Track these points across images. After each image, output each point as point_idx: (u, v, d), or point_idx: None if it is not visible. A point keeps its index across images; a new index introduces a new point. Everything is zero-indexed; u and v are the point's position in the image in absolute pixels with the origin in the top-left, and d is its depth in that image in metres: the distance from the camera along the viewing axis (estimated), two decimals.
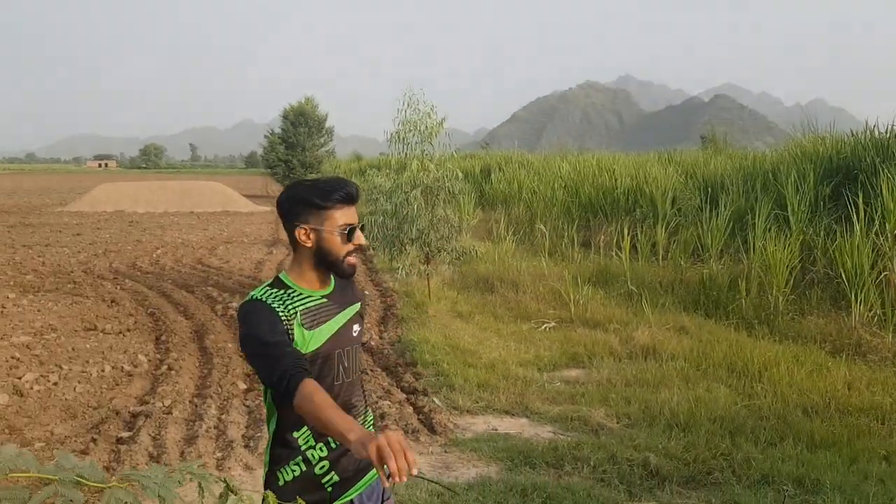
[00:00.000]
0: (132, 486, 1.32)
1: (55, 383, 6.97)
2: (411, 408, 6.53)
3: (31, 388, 6.74)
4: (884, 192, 9.60)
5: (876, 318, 8.48)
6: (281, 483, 2.18)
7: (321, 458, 2.19)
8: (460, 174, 10.84)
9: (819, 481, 4.72)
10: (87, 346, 8.44)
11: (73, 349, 8.23)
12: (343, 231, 2.19)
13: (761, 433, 5.75)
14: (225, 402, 6.62)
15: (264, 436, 5.76)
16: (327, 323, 2.22)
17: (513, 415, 6.46)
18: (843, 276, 8.89)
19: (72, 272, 13.72)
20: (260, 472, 5.05)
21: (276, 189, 51.38)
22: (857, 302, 8.55)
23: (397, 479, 1.63)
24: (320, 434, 2.17)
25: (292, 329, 2.13)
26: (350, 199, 2.22)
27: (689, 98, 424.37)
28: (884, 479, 4.84)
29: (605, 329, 9.31)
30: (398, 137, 10.60)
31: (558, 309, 10.41)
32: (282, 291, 2.20)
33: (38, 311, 10.12)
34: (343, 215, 2.20)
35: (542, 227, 16.26)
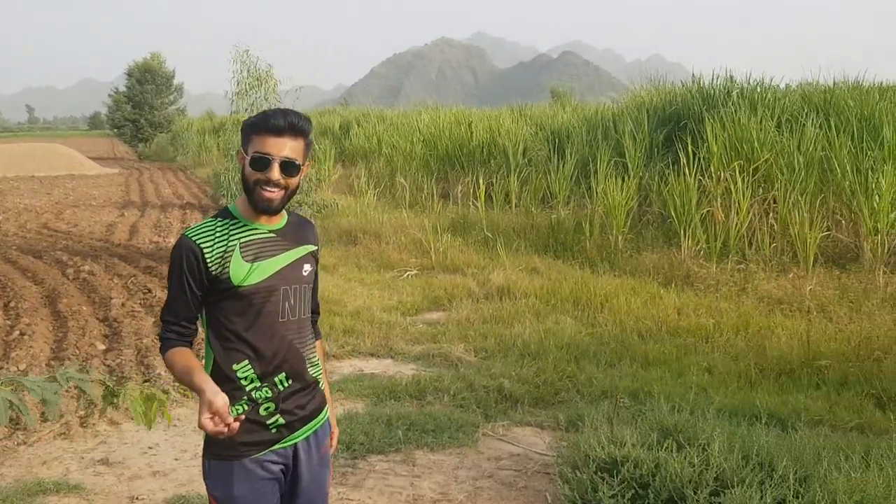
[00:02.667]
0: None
1: None
2: None
3: None
4: (708, 136, 10.52)
5: (702, 251, 9.37)
6: None
7: (267, 399, 2.14)
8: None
9: (650, 393, 5.32)
10: None
11: None
12: (253, 157, 2.09)
13: (602, 356, 6.35)
14: (84, 363, 6.51)
15: (129, 393, 5.75)
16: (274, 258, 2.16)
17: (378, 356, 6.76)
18: (674, 214, 9.74)
19: None
20: (126, 427, 5.13)
21: (123, 150, 48.74)
22: (685, 237, 9.41)
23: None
24: (264, 374, 2.14)
25: (227, 262, 2.09)
26: (273, 129, 2.08)
27: (539, 55, 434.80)
28: (706, 387, 5.52)
29: (463, 273, 9.77)
30: (239, 96, 10.55)
31: (420, 257, 10.78)
32: (225, 221, 2.15)
33: None
34: (261, 143, 2.08)
35: (402, 180, 16.54)
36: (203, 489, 3.70)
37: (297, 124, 2.10)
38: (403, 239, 11.67)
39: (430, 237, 10.87)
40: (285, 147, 2.09)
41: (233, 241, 2.12)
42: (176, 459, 4.60)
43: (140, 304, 8.72)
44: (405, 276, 9.91)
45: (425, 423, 4.80)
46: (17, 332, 7.37)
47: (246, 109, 10.96)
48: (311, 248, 2.30)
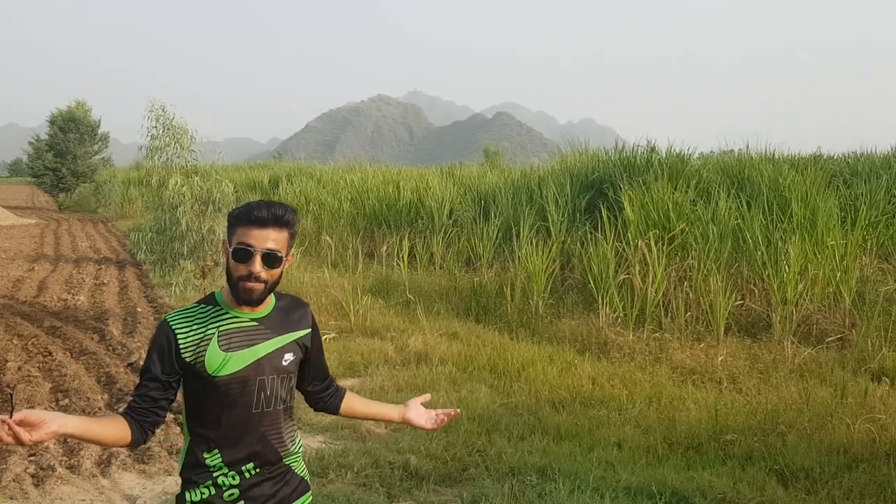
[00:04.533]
0: None
1: None
2: (178, 427, 6.36)
3: None
4: (625, 204, 10.73)
5: (620, 318, 9.45)
6: (187, 503, 2.14)
7: (231, 486, 2.14)
8: (230, 185, 10.74)
9: (559, 469, 5.22)
10: None
11: None
12: (236, 249, 2.08)
13: (515, 428, 6.24)
14: None
15: (10, 468, 5.37)
16: (250, 348, 2.14)
17: None
18: (591, 280, 9.82)
19: None
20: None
21: (43, 199, 47.16)
22: (602, 304, 9.48)
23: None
24: (232, 462, 2.13)
25: (203, 351, 2.09)
26: (256, 220, 2.08)
27: (474, 114, 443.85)
28: (614, 463, 5.45)
29: (382, 337, 9.60)
30: (152, 150, 10.33)
31: (339, 319, 10.55)
32: (208, 308, 2.16)
33: None
34: (245, 234, 2.09)
35: (328, 238, 16.36)
36: None
37: (282, 216, 2.12)
38: (324, 300, 11.44)
39: (349, 299, 10.69)
40: (268, 239, 2.10)
41: (211, 328, 2.12)
42: None
43: (38, 367, 8.26)
44: (323, 339, 9.66)
45: None
46: None
47: (160, 164, 10.72)
48: (298, 334, 2.28)
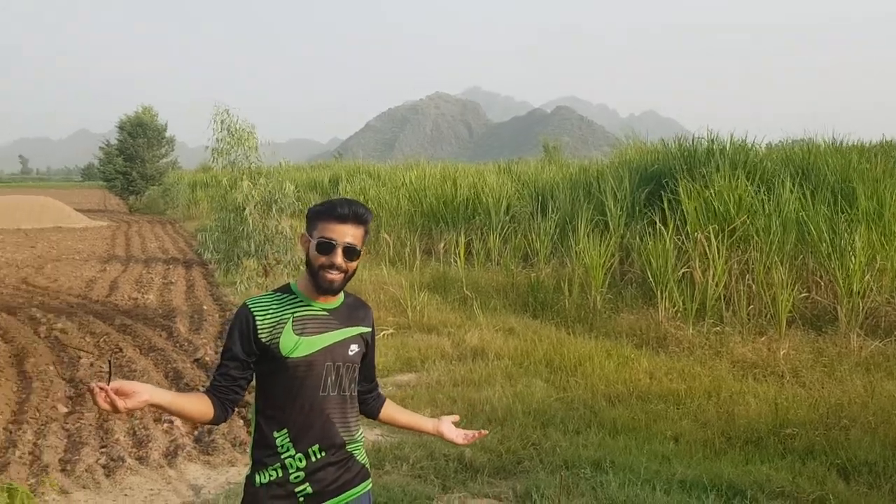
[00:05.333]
0: None
1: None
2: (241, 421, 6.57)
3: None
4: (683, 197, 10.57)
5: (679, 313, 9.33)
6: (256, 484, 2.27)
7: (298, 469, 2.26)
8: (291, 187, 10.99)
9: (614, 462, 5.22)
10: None
11: None
12: (319, 242, 2.27)
13: (570, 422, 6.25)
14: (42, 427, 6.39)
15: (83, 459, 5.64)
16: (322, 334, 2.31)
17: None
18: (650, 275, 9.72)
19: None
20: (76, 496, 5.00)
21: (115, 202, 48.89)
22: (662, 298, 9.38)
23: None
24: (300, 443, 2.27)
25: (278, 333, 2.25)
26: (339, 216, 2.28)
27: (533, 109, 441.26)
28: (670, 457, 5.42)
29: (439, 333, 9.70)
30: (218, 153, 10.63)
31: (397, 316, 10.70)
32: (283, 296, 2.34)
33: None
34: (327, 229, 2.27)
35: (386, 236, 16.57)
36: None
37: (361, 214, 2.32)
38: (383, 297, 11.61)
39: (406, 295, 10.82)
40: (348, 234, 2.29)
41: (287, 314, 2.29)
42: None
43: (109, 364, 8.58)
44: (381, 335, 9.82)
45: (378, 494, 4.68)
46: None
47: (224, 167, 11.02)
48: (363, 329, 2.45)
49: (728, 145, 13.01)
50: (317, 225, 2.32)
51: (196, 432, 6.31)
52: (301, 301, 2.34)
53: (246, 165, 10.89)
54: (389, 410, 2.67)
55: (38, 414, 6.74)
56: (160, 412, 5.90)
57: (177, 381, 7.82)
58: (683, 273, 9.79)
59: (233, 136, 10.80)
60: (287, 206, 10.99)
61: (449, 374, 7.91)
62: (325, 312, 2.35)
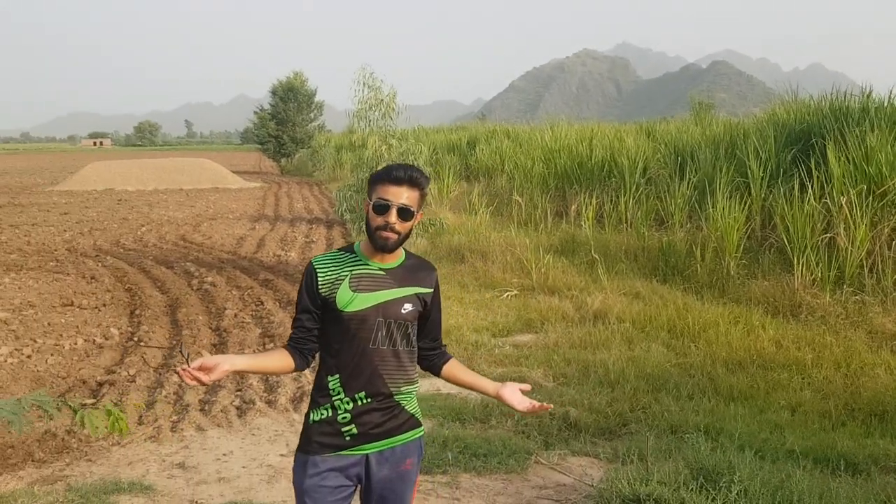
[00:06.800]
0: None
1: (28, 356, 7.36)
2: None
3: (6, 361, 7.13)
4: (830, 157, 9.91)
5: (817, 280, 8.83)
6: (311, 421, 2.50)
7: (346, 410, 2.46)
8: (425, 149, 11.20)
9: (722, 430, 5.12)
10: (63, 320, 8.83)
11: (48, 324, 8.63)
12: (376, 203, 2.43)
13: (684, 388, 6.15)
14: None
15: (219, 400, 6.18)
16: (374, 292, 2.47)
17: None
18: (787, 240, 9.25)
19: (55, 251, 14.11)
20: (211, 433, 5.51)
21: (268, 164, 51.60)
22: (798, 265, 8.91)
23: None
24: (348, 388, 2.46)
25: (336, 288, 2.45)
26: (394, 179, 2.42)
27: (686, 65, 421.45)
28: (784, 426, 5.25)
29: (562, 295, 9.70)
30: (358, 116, 10.96)
31: (522, 277, 10.78)
32: (345, 255, 2.53)
33: (19, 288, 10.51)
34: (383, 191, 2.43)
35: (518, 198, 16.59)
36: (256, 497, 4.06)
37: (416, 177, 2.45)
38: (509, 258, 11.70)
39: (531, 257, 10.86)
40: (403, 195, 2.43)
41: (345, 271, 2.48)
42: (244, 467, 4.89)
43: (251, 315, 9.25)
44: (504, 296, 9.96)
45: (479, 447, 4.87)
46: (136, 339, 8.04)
47: (361, 129, 11.38)
48: (420, 290, 2.57)
49: (886, 102, 11.99)
50: (375, 188, 2.46)
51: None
52: (360, 260, 2.51)
53: (381, 126, 11.19)
54: (452, 369, 2.74)
55: (183, 359, 7.39)
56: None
57: None
58: (825, 239, 9.24)
59: (374, 94, 11.08)
60: (421, 167, 11.25)
61: (567, 336, 7.94)
62: (381, 272, 2.50)
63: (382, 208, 2.41)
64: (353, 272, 2.48)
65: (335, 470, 2.45)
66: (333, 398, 2.47)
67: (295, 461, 2.54)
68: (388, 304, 2.48)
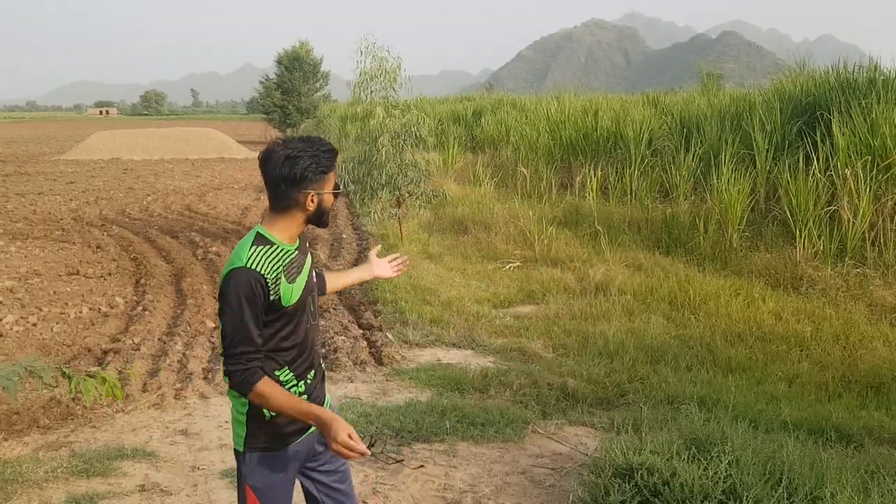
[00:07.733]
0: None
1: (34, 324, 7.45)
2: (365, 342, 6.99)
3: (11, 329, 7.22)
4: (834, 129, 9.86)
5: (819, 253, 8.83)
6: (268, 417, 2.32)
7: (300, 393, 2.40)
8: (427, 120, 11.16)
9: (719, 401, 5.17)
10: (69, 289, 8.91)
11: (54, 293, 8.71)
12: (334, 191, 2.40)
13: (682, 360, 6.21)
14: (191, 340, 7.11)
15: (221, 368, 6.25)
16: (301, 274, 2.39)
17: (459, 347, 6.92)
18: (789, 212, 9.24)
19: (61, 220, 14.18)
20: (214, 401, 5.57)
21: (274, 134, 51.44)
22: (800, 237, 8.91)
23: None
24: (300, 374, 2.40)
25: (278, 288, 2.26)
26: (335, 166, 2.41)
27: (696, 35, 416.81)
28: (780, 398, 5.30)
29: (564, 267, 9.74)
30: (360, 86, 10.90)
31: (525, 249, 10.81)
32: (268, 248, 2.29)
33: (25, 257, 10.59)
34: (334, 176, 2.40)
35: (523, 169, 16.55)
36: None
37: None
38: (512, 230, 11.72)
39: (534, 229, 10.88)
40: None
41: (279, 266, 2.29)
42: None
43: None
44: (507, 267, 9.99)
45: (476, 416, 4.93)
46: (141, 308, 8.12)
47: (366, 97, 11.32)
48: (309, 255, 2.56)
49: (893, 74, 11.87)
50: (325, 178, 2.35)
51: (323, 350, 6.79)
52: (283, 249, 2.34)
53: (383, 96, 11.15)
54: (331, 284, 2.84)
55: (188, 328, 7.48)
56: None
57: None
58: (829, 212, 9.22)
59: (378, 64, 11.00)
60: (424, 137, 11.21)
61: (568, 307, 7.98)
62: (296, 252, 2.40)
63: (338, 194, 2.45)
64: (284, 263, 2.32)
65: (297, 456, 2.43)
66: (288, 388, 2.38)
67: (250, 464, 2.36)
68: (309, 279, 2.45)
